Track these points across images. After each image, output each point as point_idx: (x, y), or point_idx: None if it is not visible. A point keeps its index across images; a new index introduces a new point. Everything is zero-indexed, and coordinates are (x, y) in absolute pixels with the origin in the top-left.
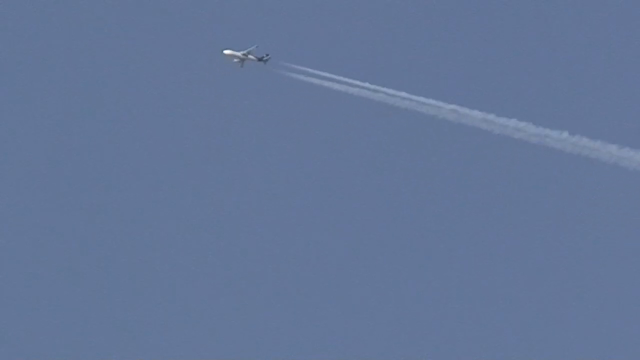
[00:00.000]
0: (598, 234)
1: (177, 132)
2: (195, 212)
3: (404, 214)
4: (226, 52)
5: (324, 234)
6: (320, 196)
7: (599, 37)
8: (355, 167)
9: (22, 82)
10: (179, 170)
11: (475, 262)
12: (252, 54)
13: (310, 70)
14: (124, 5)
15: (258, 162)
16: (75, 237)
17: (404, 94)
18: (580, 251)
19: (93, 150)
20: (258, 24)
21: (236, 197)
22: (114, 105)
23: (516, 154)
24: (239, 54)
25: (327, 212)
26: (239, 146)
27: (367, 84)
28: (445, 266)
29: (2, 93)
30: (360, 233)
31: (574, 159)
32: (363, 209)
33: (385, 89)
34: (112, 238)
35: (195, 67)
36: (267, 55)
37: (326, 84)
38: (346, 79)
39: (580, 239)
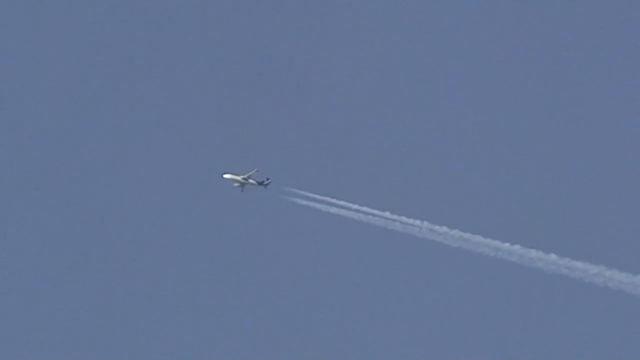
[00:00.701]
0: None
1: (178, 256)
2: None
3: None
4: (226, 175)
5: None
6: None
7: None
8: (355, 290)
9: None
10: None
11: None
12: (252, 178)
13: (311, 195)
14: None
15: (261, 283)
16: None
17: (409, 220)
18: None
19: (99, 275)
20: (259, 149)
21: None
22: (115, 232)
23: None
24: (239, 177)
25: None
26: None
27: (374, 211)
28: None
29: None
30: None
31: None
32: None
33: (398, 217)
34: None
35: (195, 191)
36: (268, 179)
37: (329, 208)
38: (351, 205)
39: None
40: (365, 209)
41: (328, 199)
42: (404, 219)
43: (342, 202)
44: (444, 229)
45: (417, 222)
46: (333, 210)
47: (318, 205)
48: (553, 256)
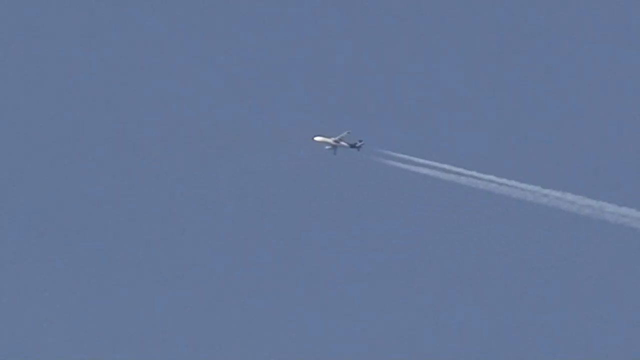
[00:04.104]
0: None
1: (270, 219)
2: None
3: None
4: (317, 138)
5: None
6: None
7: None
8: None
9: None
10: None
11: None
12: (344, 140)
13: (405, 156)
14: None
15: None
16: None
17: (504, 180)
18: None
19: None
20: (351, 111)
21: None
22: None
23: None
24: (330, 140)
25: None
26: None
27: (464, 170)
28: None
29: None
30: None
31: None
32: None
33: (487, 176)
34: None
35: (286, 154)
36: (360, 141)
37: (423, 170)
38: (444, 166)
39: None
40: (459, 169)
41: (421, 160)
42: (492, 177)
43: (435, 164)
44: (535, 187)
45: (505, 180)
46: (425, 171)
47: (411, 167)
48: None
